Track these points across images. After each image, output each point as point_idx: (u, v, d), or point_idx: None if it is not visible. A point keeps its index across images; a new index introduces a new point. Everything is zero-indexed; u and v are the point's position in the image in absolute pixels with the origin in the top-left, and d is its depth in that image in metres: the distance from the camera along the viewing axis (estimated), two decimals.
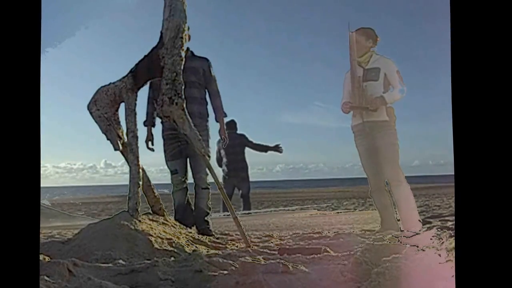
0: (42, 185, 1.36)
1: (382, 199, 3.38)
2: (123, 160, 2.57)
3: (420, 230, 2.97)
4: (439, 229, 2.24)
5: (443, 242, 1.84)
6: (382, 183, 3.40)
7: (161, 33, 2.48)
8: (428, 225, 3.51)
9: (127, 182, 2.41)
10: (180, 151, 3.38)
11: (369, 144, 3.39)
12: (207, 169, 3.24)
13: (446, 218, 4.24)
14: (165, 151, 3.42)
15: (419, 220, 3.33)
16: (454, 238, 1.78)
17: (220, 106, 3.50)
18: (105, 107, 2.47)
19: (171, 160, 3.39)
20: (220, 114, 3.50)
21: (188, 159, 3.42)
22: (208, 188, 3.39)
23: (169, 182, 3.49)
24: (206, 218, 3.36)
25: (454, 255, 1.37)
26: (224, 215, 5.95)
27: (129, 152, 2.42)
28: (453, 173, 1.12)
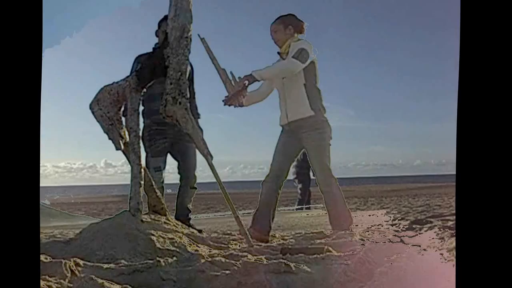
0: (41, 184, 1.35)
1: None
2: (123, 159, 2.57)
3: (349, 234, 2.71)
4: (440, 229, 2.24)
5: (444, 242, 1.84)
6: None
7: (166, 32, 2.47)
8: (429, 225, 3.50)
9: (127, 182, 2.41)
10: (165, 148, 3.32)
11: (294, 145, 3.14)
12: (196, 171, 3.27)
13: (447, 217, 4.22)
14: (150, 146, 3.28)
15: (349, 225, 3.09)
16: (455, 237, 1.78)
17: (195, 107, 3.47)
18: (108, 107, 2.46)
19: (157, 156, 3.28)
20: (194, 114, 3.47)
21: (179, 158, 3.36)
22: (196, 188, 3.37)
23: (171, 182, 3.46)
24: (189, 216, 3.38)
25: (455, 254, 1.37)
26: (296, 209, 7.71)
27: (131, 151, 2.42)
28: (454, 173, 1.12)
